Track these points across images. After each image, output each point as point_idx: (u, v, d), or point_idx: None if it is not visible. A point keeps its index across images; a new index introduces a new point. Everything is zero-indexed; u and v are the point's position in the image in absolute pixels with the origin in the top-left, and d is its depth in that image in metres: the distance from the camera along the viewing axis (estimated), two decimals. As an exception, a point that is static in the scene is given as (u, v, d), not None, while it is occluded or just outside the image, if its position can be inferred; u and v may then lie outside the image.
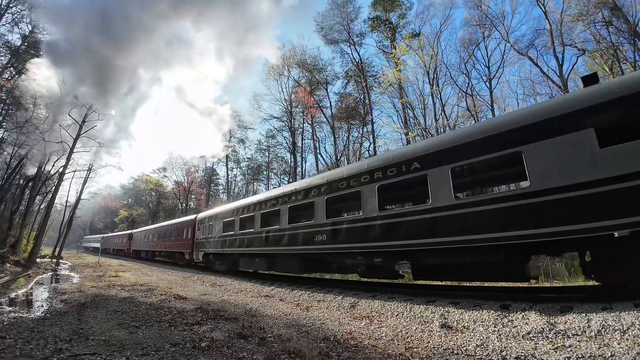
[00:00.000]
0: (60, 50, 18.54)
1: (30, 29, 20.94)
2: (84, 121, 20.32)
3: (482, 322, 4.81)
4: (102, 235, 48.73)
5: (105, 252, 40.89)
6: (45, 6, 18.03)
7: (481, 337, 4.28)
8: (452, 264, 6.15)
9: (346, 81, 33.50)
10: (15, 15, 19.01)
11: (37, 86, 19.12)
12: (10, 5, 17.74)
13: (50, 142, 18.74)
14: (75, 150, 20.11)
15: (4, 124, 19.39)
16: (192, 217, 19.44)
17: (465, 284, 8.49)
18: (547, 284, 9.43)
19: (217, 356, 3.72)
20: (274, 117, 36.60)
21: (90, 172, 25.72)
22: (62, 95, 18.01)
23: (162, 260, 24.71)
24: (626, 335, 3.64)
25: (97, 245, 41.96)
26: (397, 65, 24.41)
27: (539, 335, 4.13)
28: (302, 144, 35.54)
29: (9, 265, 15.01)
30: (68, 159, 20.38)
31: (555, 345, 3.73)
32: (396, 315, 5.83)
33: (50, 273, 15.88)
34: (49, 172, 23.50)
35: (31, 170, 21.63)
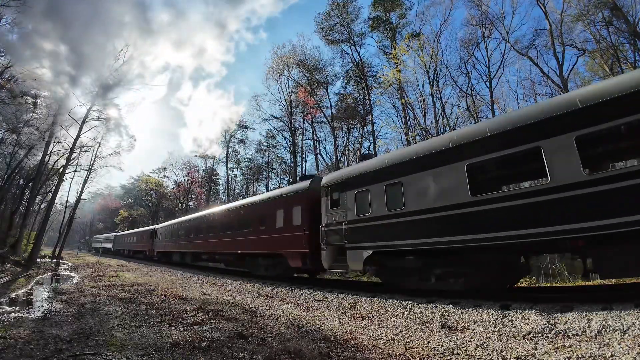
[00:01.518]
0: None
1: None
2: (84, 121, 20.37)
3: (482, 322, 4.82)
4: (114, 233, 42.69)
5: (119, 254, 35.87)
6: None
7: (481, 337, 4.28)
8: None
9: (346, 81, 33.52)
10: (16, 17, 19.00)
11: (37, 86, 19.12)
12: (11, 4, 17.69)
13: (50, 141, 18.76)
14: (75, 149, 20.14)
15: (4, 124, 19.45)
16: (303, 184, 10.47)
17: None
18: (547, 284, 9.43)
19: (217, 356, 3.72)
20: (274, 117, 36.51)
21: (90, 172, 25.69)
22: (63, 93, 17.97)
23: (221, 270, 15.97)
24: (626, 335, 3.64)
25: (110, 245, 38.67)
26: (397, 66, 24.37)
27: (539, 335, 4.13)
28: (302, 144, 35.45)
29: (9, 265, 15.01)
30: (68, 159, 20.44)
31: (556, 346, 3.73)
32: (396, 315, 5.83)
33: (50, 273, 15.90)
34: (49, 171, 23.51)
35: (33, 161, 21.49)
